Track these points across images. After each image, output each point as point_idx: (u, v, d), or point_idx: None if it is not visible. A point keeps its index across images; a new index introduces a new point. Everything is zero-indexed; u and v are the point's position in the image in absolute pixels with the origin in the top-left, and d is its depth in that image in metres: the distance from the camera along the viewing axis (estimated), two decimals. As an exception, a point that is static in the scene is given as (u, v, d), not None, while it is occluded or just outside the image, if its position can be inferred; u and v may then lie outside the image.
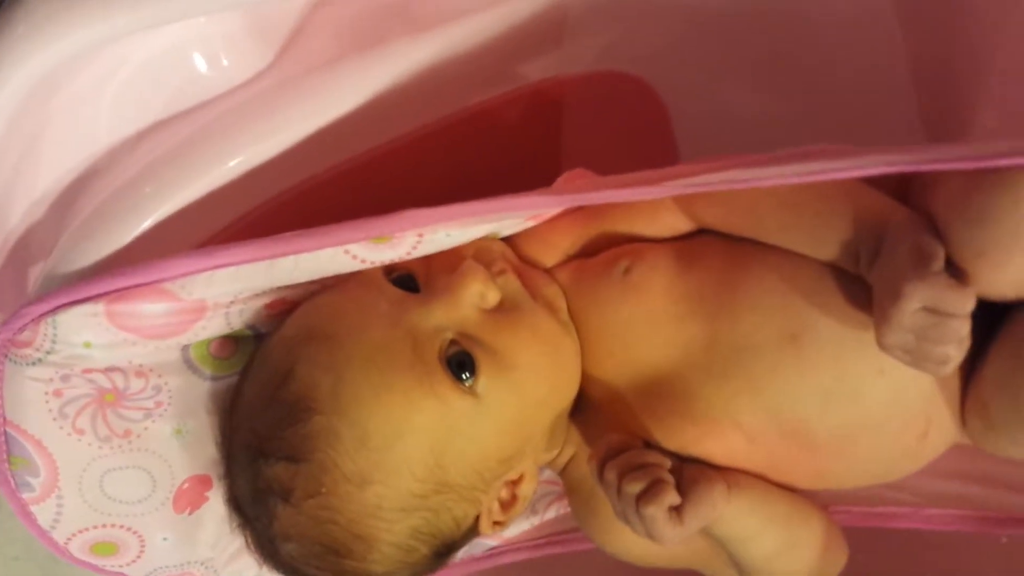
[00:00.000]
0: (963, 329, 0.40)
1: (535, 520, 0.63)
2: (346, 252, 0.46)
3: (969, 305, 0.39)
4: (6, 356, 0.47)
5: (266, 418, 0.48)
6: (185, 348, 0.52)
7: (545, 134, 0.61)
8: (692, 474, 0.47)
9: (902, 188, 0.46)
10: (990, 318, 0.44)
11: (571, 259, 0.54)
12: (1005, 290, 0.41)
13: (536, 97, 0.58)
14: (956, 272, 0.40)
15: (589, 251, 0.53)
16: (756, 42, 0.59)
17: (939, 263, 0.39)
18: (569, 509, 0.59)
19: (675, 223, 0.51)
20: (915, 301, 0.39)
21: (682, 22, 0.58)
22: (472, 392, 0.48)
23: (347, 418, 0.46)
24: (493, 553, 0.63)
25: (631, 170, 0.53)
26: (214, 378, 0.54)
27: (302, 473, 0.47)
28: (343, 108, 0.51)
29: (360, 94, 0.51)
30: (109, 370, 0.50)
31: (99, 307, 0.46)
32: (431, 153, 0.56)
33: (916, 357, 0.41)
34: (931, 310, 0.39)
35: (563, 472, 0.56)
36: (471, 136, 0.57)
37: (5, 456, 0.50)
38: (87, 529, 0.53)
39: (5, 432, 0.49)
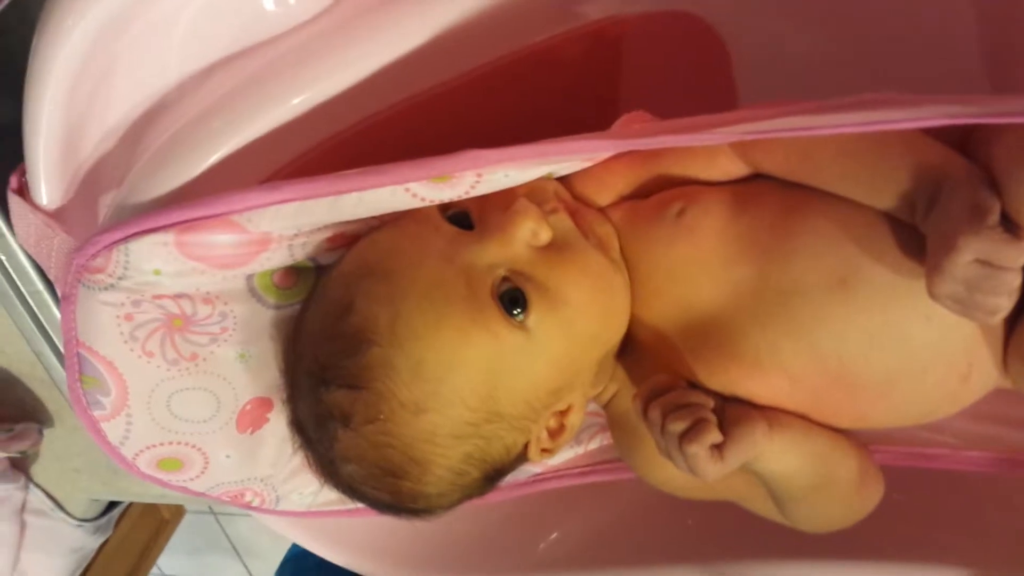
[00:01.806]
0: (1015, 281, 0.40)
1: (579, 450, 0.65)
2: (407, 190, 0.47)
3: (1022, 258, 0.40)
4: (79, 281, 0.50)
5: (327, 348, 0.50)
6: (250, 277, 0.54)
7: (604, 74, 0.61)
8: (734, 413, 0.48)
9: (962, 139, 0.46)
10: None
11: (625, 199, 0.55)
12: None
13: (596, 36, 0.58)
14: (1010, 226, 0.40)
15: (643, 193, 0.54)
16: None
17: (994, 217, 0.40)
18: (612, 440, 0.61)
19: (731, 167, 0.51)
20: (969, 253, 0.40)
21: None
22: (523, 327, 0.49)
23: (403, 350, 0.48)
24: (537, 479, 0.65)
25: (689, 111, 0.54)
26: (277, 306, 0.56)
27: (361, 400, 0.49)
28: (405, 47, 0.52)
29: (422, 33, 0.52)
30: (178, 296, 0.52)
31: (169, 236, 0.48)
32: (491, 92, 0.56)
33: (967, 306, 0.42)
34: (984, 262, 0.40)
35: (607, 406, 0.58)
36: (531, 75, 0.57)
37: (77, 375, 0.53)
38: (154, 446, 0.56)
39: (78, 353, 0.52)
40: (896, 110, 0.43)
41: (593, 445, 0.66)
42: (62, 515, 1.18)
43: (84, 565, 1.30)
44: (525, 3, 0.54)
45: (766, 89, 0.62)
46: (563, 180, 0.55)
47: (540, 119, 0.59)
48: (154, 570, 1.74)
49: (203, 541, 2.20)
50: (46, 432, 1.07)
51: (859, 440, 0.54)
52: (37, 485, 1.15)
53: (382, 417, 0.49)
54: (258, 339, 0.56)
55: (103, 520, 1.25)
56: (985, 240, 0.40)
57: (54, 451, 1.11)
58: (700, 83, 0.63)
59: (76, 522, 1.20)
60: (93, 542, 1.27)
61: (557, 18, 0.57)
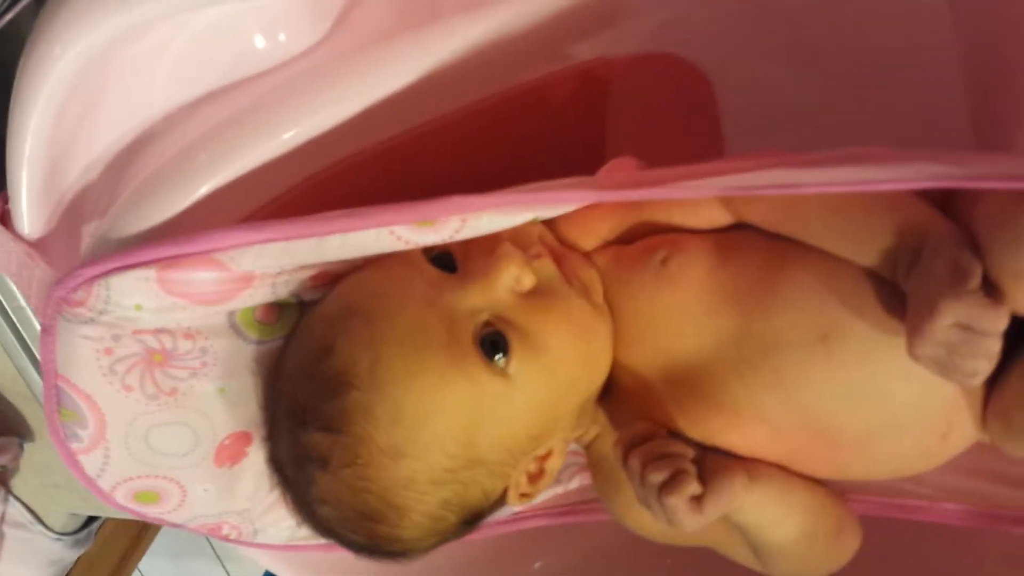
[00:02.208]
0: (994, 347, 0.40)
1: (559, 489, 0.65)
2: (391, 233, 0.47)
3: (1002, 325, 0.40)
4: (59, 313, 0.49)
5: (307, 389, 0.50)
6: (232, 313, 0.54)
7: (592, 114, 0.61)
8: (714, 464, 0.48)
9: (946, 197, 0.46)
10: (1020, 326, 0.44)
11: (609, 244, 0.55)
12: None
13: (584, 77, 0.58)
14: (991, 290, 0.40)
15: (628, 238, 0.54)
16: (808, 30, 0.59)
17: (975, 281, 0.40)
18: (592, 480, 0.60)
19: (715, 216, 0.51)
20: (949, 317, 0.40)
21: (735, 6, 0.58)
22: (504, 374, 0.49)
23: (382, 395, 0.48)
24: (517, 517, 0.65)
25: (676, 151, 0.54)
26: (258, 342, 0.56)
27: (339, 444, 0.49)
28: (395, 84, 0.52)
29: (412, 70, 0.52)
30: (158, 331, 0.51)
31: (151, 272, 0.47)
32: (479, 130, 0.57)
33: (945, 369, 0.42)
34: (964, 327, 0.40)
35: (588, 447, 0.58)
36: (519, 114, 0.57)
37: (56, 408, 0.52)
38: (131, 479, 0.56)
39: (57, 386, 0.52)
40: (880, 168, 0.43)
41: (573, 484, 0.65)
42: (41, 528, 1.18)
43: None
44: (514, 43, 0.54)
45: (753, 133, 0.62)
46: (548, 223, 0.54)
47: (528, 158, 0.59)
48: (135, 574, 1.73)
49: (185, 546, 2.18)
50: (27, 446, 1.07)
51: (838, 490, 0.54)
52: (17, 498, 1.15)
53: (360, 461, 0.49)
54: (238, 374, 0.56)
55: (82, 534, 1.25)
56: (965, 305, 0.40)
57: (34, 465, 1.10)
58: (686, 124, 0.63)
59: (55, 536, 1.20)
60: (72, 555, 1.27)
61: (545, 58, 0.57)
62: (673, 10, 0.58)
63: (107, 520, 1.33)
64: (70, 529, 1.22)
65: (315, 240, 0.46)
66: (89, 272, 0.47)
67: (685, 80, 0.61)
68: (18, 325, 0.92)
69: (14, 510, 1.16)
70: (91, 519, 1.24)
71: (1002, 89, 0.56)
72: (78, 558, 1.31)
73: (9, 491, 1.15)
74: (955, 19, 0.57)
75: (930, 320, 0.40)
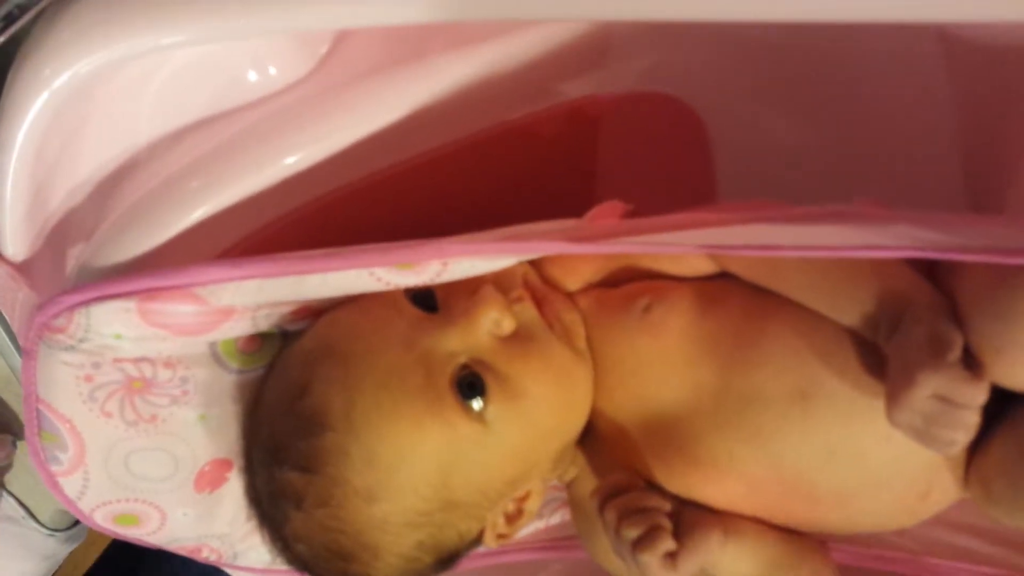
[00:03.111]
0: (972, 419, 0.40)
1: (540, 524, 0.65)
2: (371, 274, 0.47)
3: (981, 399, 0.40)
4: (40, 339, 0.49)
5: (283, 427, 0.50)
6: (213, 343, 0.54)
7: (581, 152, 0.61)
8: (690, 519, 0.48)
9: (930, 261, 0.45)
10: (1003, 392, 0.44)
11: (593, 287, 0.54)
12: (1020, 384, 0.41)
13: (574, 115, 0.58)
14: (971, 362, 0.40)
15: (612, 281, 0.54)
16: (802, 73, 0.58)
17: (956, 353, 0.40)
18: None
19: (699, 265, 0.51)
20: (927, 389, 0.40)
21: (729, 47, 0.57)
22: (480, 418, 0.49)
23: (357, 438, 0.48)
24: (496, 552, 0.65)
25: (666, 191, 0.54)
26: (240, 371, 0.56)
27: (314, 484, 0.49)
28: (383, 119, 0.52)
29: (400, 106, 0.52)
30: (138, 360, 0.51)
31: (131, 303, 0.47)
32: (467, 166, 0.56)
33: (923, 437, 0.41)
34: (942, 399, 0.40)
35: (568, 486, 0.58)
36: (507, 151, 0.57)
37: (36, 431, 0.52)
38: (111, 502, 0.56)
39: (37, 409, 0.52)
40: (863, 230, 0.42)
41: (554, 520, 0.65)
42: (34, 524, 1.18)
43: (54, 571, 1.29)
44: (504, 80, 0.53)
45: (744, 171, 0.62)
46: (534, 261, 0.54)
47: (516, 195, 0.59)
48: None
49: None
50: (20, 444, 1.07)
51: (816, 539, 0.53)
52: (10, 493, 1.15)
53: (334, 502, 0.48)
54: (219, 402, 0.56)
55: (74, 530, 1.25)
56: (944, 377, 0.39)
57: (26, 462, 1.10)
58: (678, 163, 0.63)
59: (47, 531, 1.20)
60: (64, 550, 1.27)
61: (535, 96, 0.57)
62: (665, 51, 0.57)
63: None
64: (62, 526, 1.22)
65: (295, 278, 0.46)
66: (70, 300, 0.47)
67: (677, 119, 0.60)
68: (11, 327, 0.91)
69: (7, 505, 1.16)
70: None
71: (995, 140, 0.55)
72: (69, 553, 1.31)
73: (2, 486, 1.15)
74: (950, 67, 0.56)
75: (908, 390, 0.40)
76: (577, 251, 0.45)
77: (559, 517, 0.65)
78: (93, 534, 1.33)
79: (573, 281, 0.54)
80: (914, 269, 0.45)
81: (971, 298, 0.41)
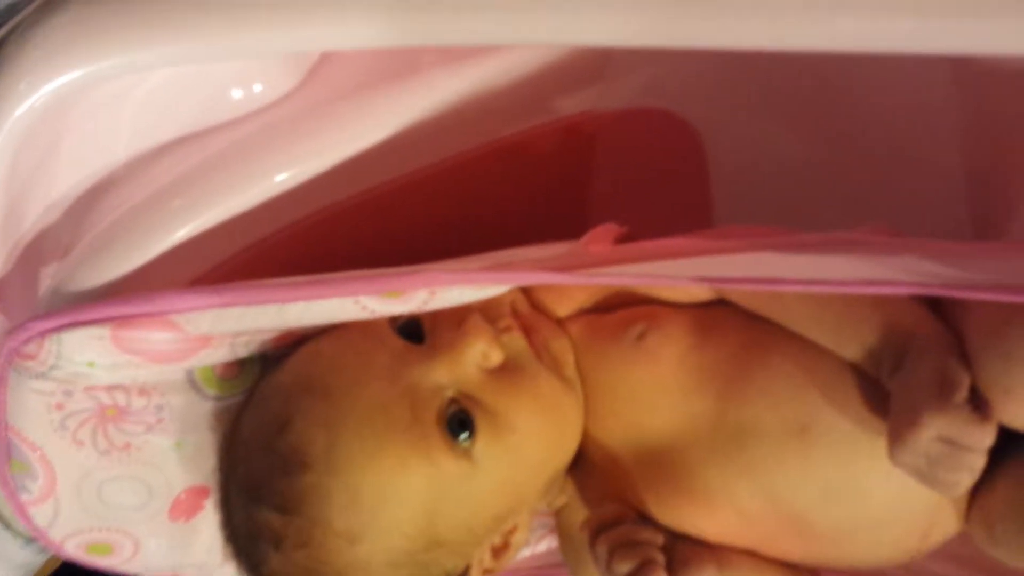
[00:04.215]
0: (978, 462, 0.39)
1: (526, 552, 0.63)
2: (356, 302, 0.45)
3: (988, 441, 0.38)
4: (11, 364, 0.47)
5: (261, 464, 0.48)
6: (190, 369, 0.52)
7: (577, 168, 0.59)
8: (683, 553, 0.47)
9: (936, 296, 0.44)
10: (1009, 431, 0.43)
11: (585, 312, 0.53)
12: None
13: (570, 131, 0.56)
14: (979, 401, 0.39)
15: (605, 307, 0.52)
16: (803, 93, 0.57)
17: (962, 394, 0.38)
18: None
19: (696, 291, 0.49)
20: (932, 430, 0.38)
21: (728, 64, 0.55)
22: (467, 455, 0.47)
23: (339, 478, 0.46)
24: (480, 577, 0.63)
25: (662, 208, 0.52)
26: (217, 398, 0.54)
27: (293, 525, 0.47)
28: (373, 136, 0.50)
29: (388, 124, 0.50)
30: (112, 388, 0.49)
31: (105, 331, 0.46)
32: (459, 185, 0.55)
33: (926, 479, 0.40)
34: (947, 441, 0.38)
35: (556, 513, 0.56)
36: (501, 168, 0.56)
37: (6, 459, 0.50)
38: (83, 531, 0.54)
39: (7, 437, 0.50)
40: (867, 261, 0.41)
41: (541, 547, 0.63)
42: (8, 534, 1.16)
43: (31, 579, 1.27)
44: (498, 96, 0.52)
45: (742, 188, 0.61)
46: (523, 287, 0.52)
47: (510, 213, 0.57)
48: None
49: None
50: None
51: (811, 572, 0.52)
52: (-16, 503, 1.13)
53: (314, 544, 0.47)
54: (196, 429, 0.54)
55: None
56: (950, 419, 0.38)
57: (2, 473, 1.08)
58: (675, 180, 0.61)
59: (23, 541, 1.18)
60: (39, 560, 1.25)
61: (530, 112, 0.55)
62: (664, 66, 0.56)
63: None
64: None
65: (276, 307, 0.44)
66: (41, 326, 0.46)
67: (675, 136, 0.59)
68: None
69: (-19, 515, 1.14)
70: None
71: (1000, 163, 0.54)
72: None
73: (-24, 496, 1.12)
74: (958, 88, 0.55)
75: (912, 431, 0.38)
76: (568, 282, 0.43)
77: (545, 544, 0.63)
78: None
79: (564, 307, 0.53)
80: (920, 303, 0.43)
81: (979, 336, 0.40)
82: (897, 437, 0.39)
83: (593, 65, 0.54)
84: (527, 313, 0.52)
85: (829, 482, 0.45)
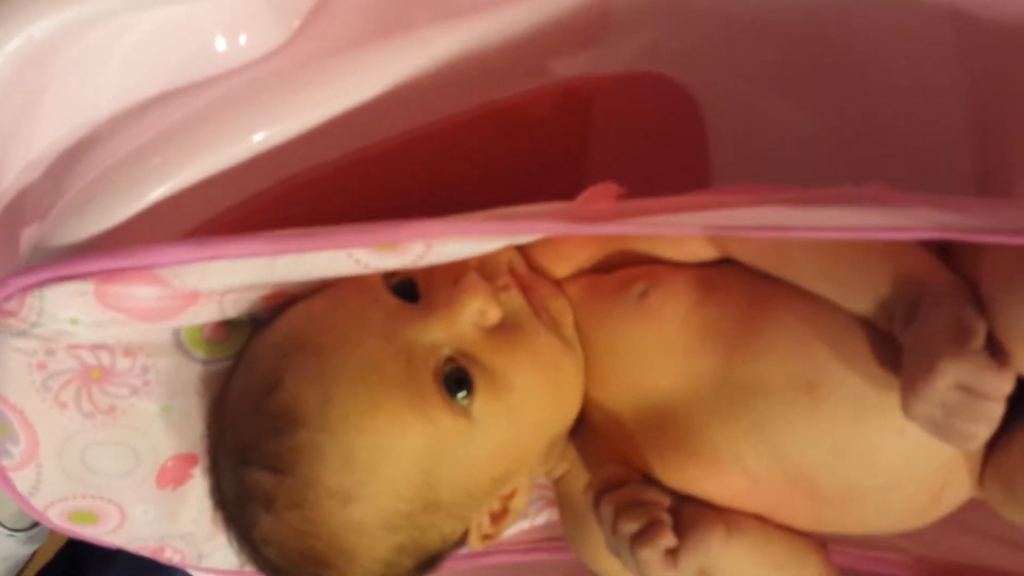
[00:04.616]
0: (996, 411, 0.37)
1: (525, 524, 0.62)
2: (349, 256, 0.43)
3: (1007, 388, 0.37)
4: None
5: (252, 426, 0.47)
6: (177, 330, 0.50)
7: (574, 132, 0.58)
8: (690, 515, 0.45)
9: (945, 243, 0.43)
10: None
11: (584, 273, 0.51)
12: None
13: (567, 94, 0.55)
14: (996, 350, 0.37)
15: (605, 267, 0.51)
16: (804, 57, 0.55)
17: (980, 340, 0.37)
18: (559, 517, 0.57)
19: (699, 250, 0.48)
20: (949, 377, 0.37)
21: (728, 28, 0.54)
22: (466, 414, 0.46)
23: (333, 436, 0.45)
24: (478, 553, 0.62)
25: (659, 174, 0.51)
26: (206, 361, 0.52)
27: (285, 485, 0.45)
28: (363, 94, 0.49)
29: (381, 81, 0.49)
30: (96, 347, 0.48)
31: (88, 286, 0.44)
32: (452, 146, 0.53)
33: (941, 431, 0.39)
34: (964, 388, 0.37)
35: (557, 483, 0.55)
36: (496, 130, 0.54)
37: None
38: (66, 498, 0.52)
39: None
40: (879, 211, 0.40)
41: (540, 520, 0.62)
42: (-9, 524, 1.14)
43: (16, 572, 1.25)
44: (493, 56, 0.51)
45: (740, 156, 0.60)
46: (520, 247, 0.51)
47: (504, 177, 0.56)
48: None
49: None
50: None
51: (818, 540, 0.50)
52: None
53: (307, 505, 0.45)
54: (183, 394, 0.52)
55: (35, 531, 1.21)
56: (968, 365, 0.36)
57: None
58: (672, 146, 0.60)
59: (7, 532, 1.16)
60: (25, 550, 1.23)
61: (526, 73, 0.54)
62: (663, 29, 0.54)
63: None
64: (22, 525, 1.18)
65: (266, 260, 0.43)
66: (22, 282, 0.44)
67: (672, 102, 0.57)
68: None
69: (-39, 505, 1.12)
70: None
71: (1005, 125, 0.53)
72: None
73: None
74: (960, 50, 0.54)
75: (928, 379, 0.37)
76: (572, 232, 0.42)
77: (545, 517, 0.62)
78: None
79: (563, 268, 0.51)
80: (932, 254, 0.42)
81: (995, 283, 0.38)
82: (912, 387, 0.38)
83: (591, 27, 0.53)
84: (524, 273, 0.50)
85: (837, 440, 0.44)
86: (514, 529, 0.62)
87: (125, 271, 0.44)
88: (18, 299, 0.44)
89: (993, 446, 0.44)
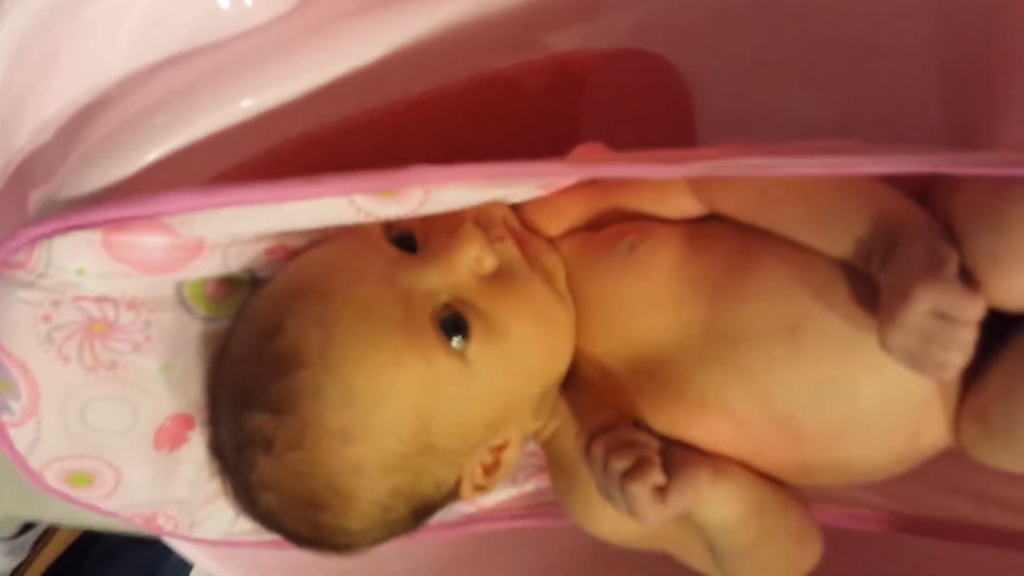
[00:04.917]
0: (969, 336, 0.39)
1: (514, 491, 0.63)
2: (351, 203, 0.45)
3: (978, 312, 0.39)
4: None
5: (253, 371, 0.48)
6: (180, 285, 0.52)
7: (565, 106, 0.60)
8: (679, 456, 0.47)
9: (922, 191, 0.45)
10: (997, 327, 0.43)
11: (576, 231, 0.53)
12: (1016, 300, 0.40)
13: (559, 69, 0.57)
14: (968, 279, 0.39)
15: (596, 225, 0.53)
16: (789, 38, 0.58)
17: (953, 267, 0.39)
18: (549, 483, 0.59)
19: (687, 206, 0.50)
20: (924, 303, 0.39)
21: (718, 7, 0.57)
22: (462, 357, 0.47)
23: (333, 375, 0.46)
24: (469, 519, 0.63)
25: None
26: (207, 319, 0.53)
27: (285, 425, 0.46)
28: (361, 60, 0.50)
29: (380, 48, 0.50)
30: (100, 300, 0.49)
31: (96, 235, 0.45)
32: (446, 116, 0.55)
33: (918, 360, 0.41)
34: (939, 314, 0.39)
35: (547, 444, 0.56)
36: (488, 102, 0.56)
37: None
38: (64, 457, 0.53)
39: None
40: (858, 156, 0.42)
41: (529, 487, 0.63)
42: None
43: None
44: (488, 27, 0.52)
45: (726, 136, 0.61)
46: (514, 208, 0.53)
47: (494, 148, 0.57)
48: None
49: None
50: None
51: (801, 496, 0.52)
52: (-52, 502, 1.10)
53: (306, 445, 0.46)
54: (183, 352, 0.53)
55: (17, 541, 1.20)
56: (942, 290, 0.38)
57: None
58: (660, 124, 0.62)
59: (-7, 545, 1.15)
60: (6, 564, 1.21)
61: (520, 46, 0.55)
62: (655, 7, 0.56)
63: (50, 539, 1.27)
64: (5, 534, 1.17)
65: (270, 207, 0.44)
66: (31, 233, 0.45)
67: (661, 80, 0.59)
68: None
69: (-55, 515, 1.11)
70: (28, 526, 1.19)
71: (977, 76, 0.55)
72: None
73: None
74: (937, 26, 0.56)
75: (904, 307, 0.39)
76: (567, 174, 0.44)
77: (533, 484, 0.63)
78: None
79: (555, 225, 0.53)
80: (907, 198, 0.44)
81: (966, 214, 0.40)
82: (889, 317, 0.40)
83: (583, 1, 0.55)
84: (518, 228, 0.52)
85: (820, 381, 0.46)
86: (503, 496, 0.63)
87: (133, 219, 0.45)
88: (26, 251, 0.45)
89: (967, 389, 0.46)
